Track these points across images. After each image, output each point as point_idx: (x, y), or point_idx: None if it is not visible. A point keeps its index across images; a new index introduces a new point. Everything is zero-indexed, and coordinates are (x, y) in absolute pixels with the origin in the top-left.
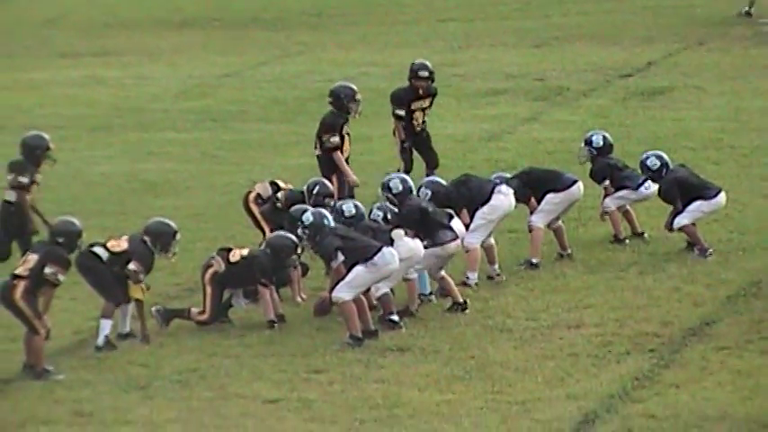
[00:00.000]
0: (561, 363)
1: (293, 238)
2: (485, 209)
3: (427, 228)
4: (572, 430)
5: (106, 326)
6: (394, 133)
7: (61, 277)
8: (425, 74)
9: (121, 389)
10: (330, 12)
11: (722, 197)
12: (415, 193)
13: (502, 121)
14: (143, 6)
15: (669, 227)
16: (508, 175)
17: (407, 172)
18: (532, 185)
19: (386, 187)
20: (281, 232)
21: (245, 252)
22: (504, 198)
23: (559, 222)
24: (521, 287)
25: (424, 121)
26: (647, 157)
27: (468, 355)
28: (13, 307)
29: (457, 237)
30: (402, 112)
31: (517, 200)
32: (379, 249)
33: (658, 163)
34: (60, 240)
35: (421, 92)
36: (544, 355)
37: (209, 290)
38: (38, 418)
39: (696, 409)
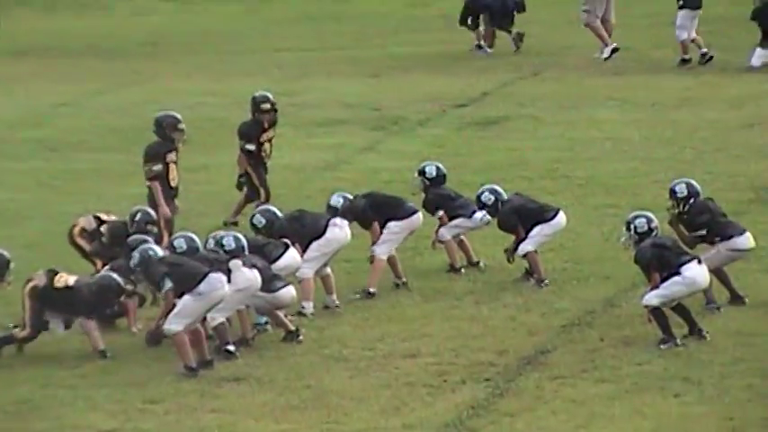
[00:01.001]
0: (397, 392)
1: (119, 280)
2: (321, 241)
3: None
4: None
5: None
6: (238, 162)
7: None
8: (268, 106)
9: None
10: (167, 41)
11: (562, 217)
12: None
13: (339, 151)
14: None
15: (512, 255)
16: (349, 196)
17: (267, 199)
18: (375, 209)
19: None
20: (110, 273)
21: (71, 281)
22: (340, 231)
23: (392, 251)
24: (357, 316)
25: (271, 152)
26: (482, 192)
27: (303, 385)
28: None
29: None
30: (253, 147)
31: (361, 222)
32: (206, 275)
33: (492, 198)
34: None
35: (266, 124)
36: (380, 385)
37: (28, 303)
38: None
39: None
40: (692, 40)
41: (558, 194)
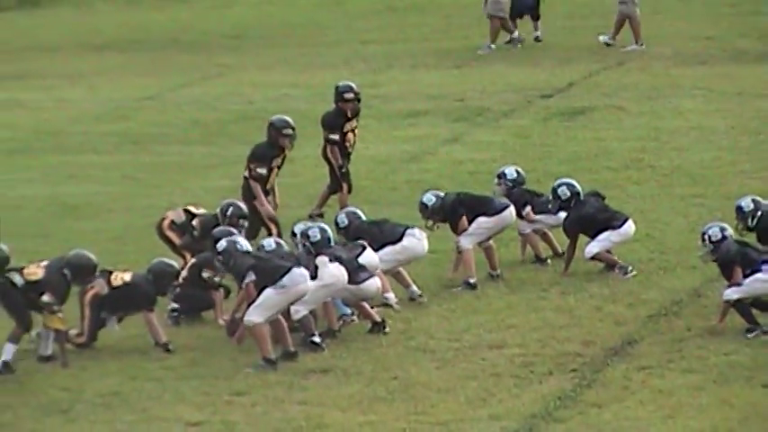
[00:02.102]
0: (483, 383)
1: (175, 264)
2: (396, 247)
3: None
4: None
5: (9, 350)
6: (324, 155)
7: None
8: (351, 95)
9: (43, 412)
10: (250, 34)
11: (630, 226)
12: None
13: (423, 142)
14: (63, 30)
15: (566, 269)
16: (441, 193)
17: (350, 191)
18: (466, 206)
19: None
20: (162, 259)
21: (127, 277)
22: (417, 243)
23: (490, 242)
24: (443, 308)
25: (355, 142)
26: (559, 185)
27: (390, 376)
28: None
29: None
30: (336, 137)
31: (445, 219)
32: (289, 270)
33: (568, 193)
34: None
35: (349, 113)
36: (466, 376)
37: (87, 312)
38: None
39: (618, 429)
40: None
41: (643, 184)
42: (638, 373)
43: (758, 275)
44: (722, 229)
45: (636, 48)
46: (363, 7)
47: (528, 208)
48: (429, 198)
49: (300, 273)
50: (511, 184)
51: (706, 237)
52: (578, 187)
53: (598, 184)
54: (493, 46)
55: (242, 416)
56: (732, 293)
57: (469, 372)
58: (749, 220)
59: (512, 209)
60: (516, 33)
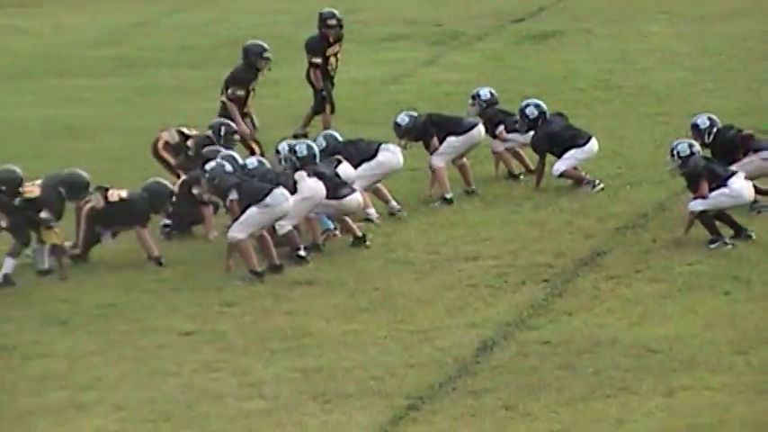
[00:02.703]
0: (460, 293)
1: (169, 184)
2: (372, 163)
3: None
4: (471, 357)
5: (9, 264)
6: (307, 78)
7: (3, 223)
8: (334, 22)
9: (43, 323)
10: None
11: (594, 143)
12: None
13: (402, 65)
14: None
15: (537, 183)
16: (414, 113)
17: (332, 112)
18: (436, 126)
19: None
20: (158, 179)
21: (123, 194)
22: (393, 156)
23: (464, 160)
24: (421, 222)
25: (337, 66)
26: (527, 106)
27: (372, 287)
28: None
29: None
30: (319, 60)
31: (417, 139)
32: (271, 191)
33: (536, 112)
34: (2, 188)
35: (331, 39)
36: (444, 286)
37: (83, 225)
38: None
39: (588, 335)
40: None
41: (610, 104)
42: (606, 283)
43: (723, 190)
44: (690, 145)
45: None
46: None
47: (501, 127)
48: (402, 119)
49: (282, 192)
50: (485, 105)
51: (675, 152)
52: (544, 107)
53: (567, 104)
54: None
55: (231, 326)
56: (697, 205)
57: (447, 282)
58: (705, 137)
59: (480, 127)
60: None
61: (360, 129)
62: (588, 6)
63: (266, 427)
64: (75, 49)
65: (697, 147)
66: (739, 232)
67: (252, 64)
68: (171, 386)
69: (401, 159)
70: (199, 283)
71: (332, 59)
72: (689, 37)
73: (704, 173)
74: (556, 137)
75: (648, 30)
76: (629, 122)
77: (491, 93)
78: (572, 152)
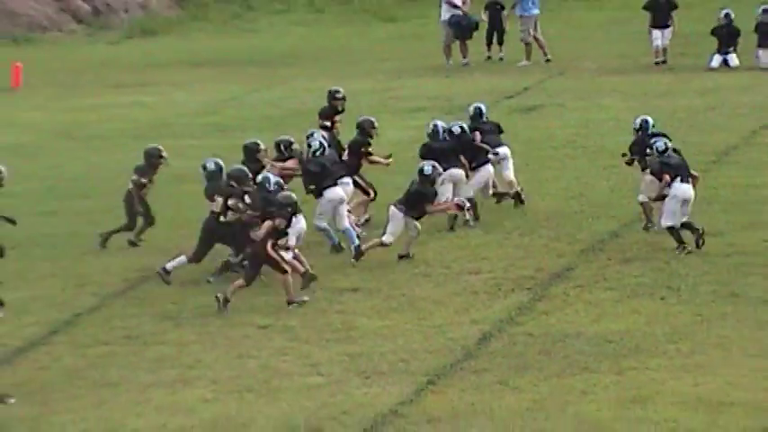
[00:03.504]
0: (466, 298)
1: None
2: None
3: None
4: (474, 345)
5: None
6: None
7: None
8: (341, 95)
9: (158, 319)
10: (302, 54)
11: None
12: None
13: (423, 130)
14: (171, 51)
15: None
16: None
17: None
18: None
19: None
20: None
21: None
22: (337, 191)
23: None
24: (437, 245)
25: (338, 130)
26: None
27: (400, 293)
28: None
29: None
30: (328, 123)
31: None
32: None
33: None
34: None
35: (339, 108)
36: (453, 293)
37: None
38: (99, 340)
39: (560, 329)
40: (664, 49)
41: (576, 159)
42: (574, 290)
43: (668, 198)
44: (666, 143)
45: (526, 63)
46: (381, 36)
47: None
48: (427, 169)
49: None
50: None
51: (654, 148)
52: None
53: (545, 159)
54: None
55: (298, 321)
56: (666, 221)
57: (456, 290)
58: (638, 133)
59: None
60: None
61: (392, 177)
62: (561, 87)
63: (322, 397)
64: (181, 117)
65: (670, 144)
66: (697, 242)
67: (365, 134)
68: (252, 366)
69: (344, 193)
70: (273, 288)
71: (337, 125)
72: (635, 109)
73: (664, 167)
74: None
75: (606, 103)
76: (590, 172)
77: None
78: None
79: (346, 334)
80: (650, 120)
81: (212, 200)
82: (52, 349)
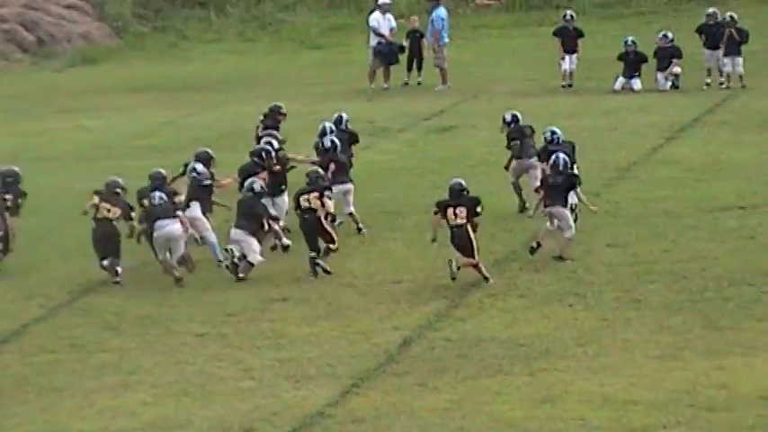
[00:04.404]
0: (388, 306)
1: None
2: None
3: None
4: (396, 349)
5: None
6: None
7: None
8: (284, 111)
9: (101, 328)
10: (233, 80)
11: None
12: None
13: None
14: (111, 78)
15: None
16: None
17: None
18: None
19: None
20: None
21: None
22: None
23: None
24: (362, 257)
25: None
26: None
27: (327, 302)
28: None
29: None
30: (280, 136)
31: None
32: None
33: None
34: None
35: (281, 123)
36: (377, 302)
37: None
38: (46, 348)
39: (476, 334)
40: (570, 73)
41: (490, 175)
42: (488, 299)
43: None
44: (552, 132)
45: (443, 88)
46: (308, 62)
47: None
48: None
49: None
50: None
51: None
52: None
53: (461, 176)
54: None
55: (231, 329)
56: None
57: (379, 299)
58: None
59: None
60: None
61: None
62: (474, 109)
63: (255, 399)
64: (121, 139)
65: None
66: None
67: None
68: (189, 371)
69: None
70: (208, 299)
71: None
72: (543, 129)
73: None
74: None
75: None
76: (501, 188)
77: None
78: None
79: (276, 341)
80: (557, 130)
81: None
82: (1, 358)
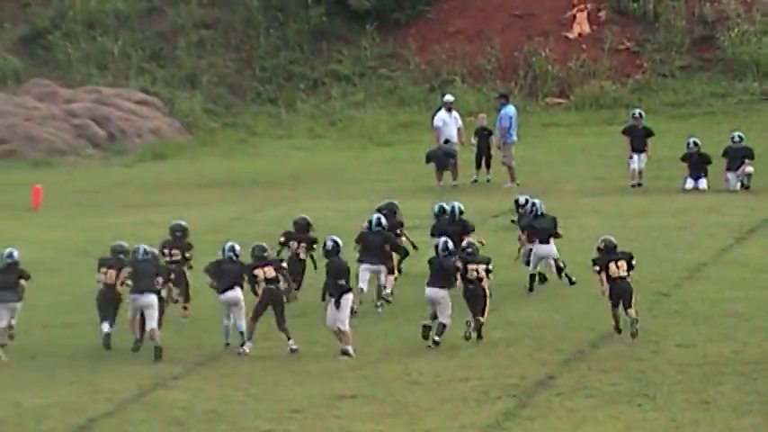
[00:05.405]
0: (455, 404)
1: None
2: None
3: None
4: None
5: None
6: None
7: None
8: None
9: (168, 423)
10: (302, 175)
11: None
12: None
13: (419, 246)
14: (181, 174)
15: None
16: None
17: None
18: None
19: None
20: None
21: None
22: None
23: None
24: (430, 355)
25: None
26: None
27: (393, 400)
28: None
29: None
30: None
31: None
32: None
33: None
34: None
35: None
36: (444, 399)
37: None
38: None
39: None
40: (639, 172)
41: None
42: (556, 398)
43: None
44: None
45: (511, 185)
46: (376, 158)
47: None
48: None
49: None
50: None
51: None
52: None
53: (525, 275)
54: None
55: (297, 426)
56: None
57: (446, 397)
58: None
59: None
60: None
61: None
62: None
63: None
64: (191, 234)
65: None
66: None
67: None
68: None
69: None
70: (274, 396)
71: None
72: (614, 229)
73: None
74: None
75: (584, 223)
76: (570, 287)
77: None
78: None
79: None
80: (538, 202)
81: None
82: None
